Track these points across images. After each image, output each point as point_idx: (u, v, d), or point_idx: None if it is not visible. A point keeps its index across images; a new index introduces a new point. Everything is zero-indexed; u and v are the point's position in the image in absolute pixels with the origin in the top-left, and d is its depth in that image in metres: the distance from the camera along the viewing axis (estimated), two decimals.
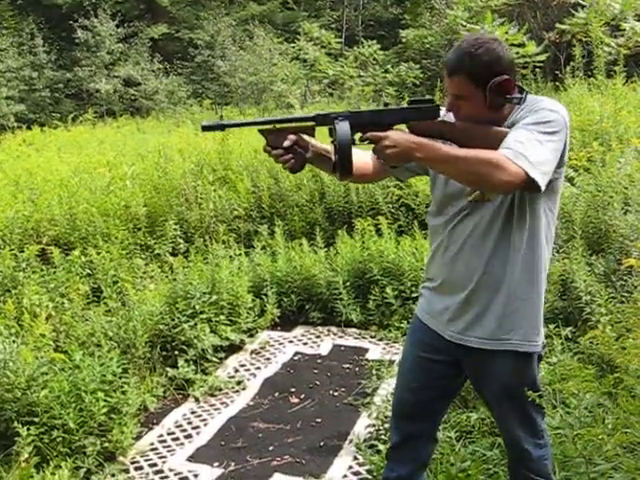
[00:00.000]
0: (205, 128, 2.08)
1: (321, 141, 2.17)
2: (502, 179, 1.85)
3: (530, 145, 1.88)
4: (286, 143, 2.06)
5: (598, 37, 9.37)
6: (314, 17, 24.15)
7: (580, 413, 2.17)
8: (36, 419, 3.33)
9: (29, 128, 15.65)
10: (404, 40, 18.47)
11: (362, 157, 2.25)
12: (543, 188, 1.90)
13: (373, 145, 2.02)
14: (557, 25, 13.22)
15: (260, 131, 2.08)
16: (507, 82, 1.99)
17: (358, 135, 2.02)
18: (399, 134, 1.97)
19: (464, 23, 14.57)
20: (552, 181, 1.97)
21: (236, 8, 25.22)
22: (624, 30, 11.90)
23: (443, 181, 2.19)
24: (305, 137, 2.10)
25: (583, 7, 12.88)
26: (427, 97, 2.18)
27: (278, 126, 2.08)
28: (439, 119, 2.08)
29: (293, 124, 2.10)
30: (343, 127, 1.97)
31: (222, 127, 2.09)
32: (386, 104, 2.13)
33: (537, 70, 10.88)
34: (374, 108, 2.08)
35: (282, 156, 2.07)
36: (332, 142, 2.02)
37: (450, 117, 2.11)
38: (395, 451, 2.44)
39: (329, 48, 20.09)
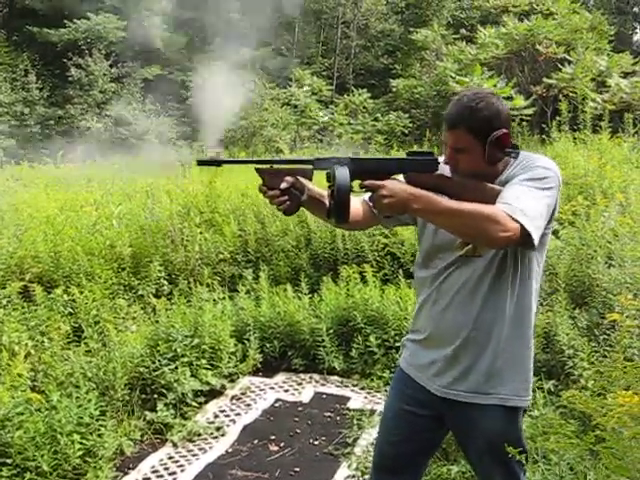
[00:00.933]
0: (201, 162, 2.08)
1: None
2: (500, 234, 1.85)
3: (527, 201, 1.90)
4: (283, 185, 2.02)
5: (584, 92, 9.56)
6: (306, 64, 24.54)
7: (561, 470, 2.15)
8: (9, 460, 3.26)
9: (18, 163, 15.63)
10: (394, 89, 18.81)
11: (354, 203, 2.22)
12: (536, 243, 1.91)
13: (366, 192, 2.02)
14: (544, 79, 13.51)
15: (257, 170, 2.05)
16: (506, 136, 2.03)
17: (356, 182, 2.01)
18: (396, 184, 1.96)
19: (453, 75, 14.86)
20: (542, 236, 1.98)
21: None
22: (609, 86, 12.18)
23: (432, 232, 2.19)
24: (302, 180, 2.08)
25: (570, 63, 13.18)
26: (426, 150, 2.19)
27: (275, 166, 2.06)
28: (436, 172, 2.09)
29: (291, 166, 2.09)
30: (342, 173, 1.95)
31: (218, 163, 2.08)
32: (355, 154, 2.14)
33: (524, 123, 11.08)
34: (374, 156, 2.07)
35: (278, 197, 2.04)
36: (329, 187, 2.00)
37: (446, 170, 2.12)
38: None
39: (320, 95, 20.39)
